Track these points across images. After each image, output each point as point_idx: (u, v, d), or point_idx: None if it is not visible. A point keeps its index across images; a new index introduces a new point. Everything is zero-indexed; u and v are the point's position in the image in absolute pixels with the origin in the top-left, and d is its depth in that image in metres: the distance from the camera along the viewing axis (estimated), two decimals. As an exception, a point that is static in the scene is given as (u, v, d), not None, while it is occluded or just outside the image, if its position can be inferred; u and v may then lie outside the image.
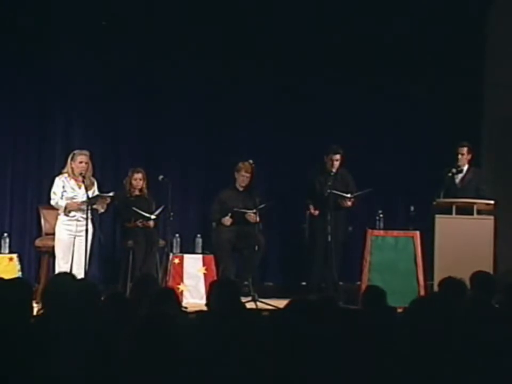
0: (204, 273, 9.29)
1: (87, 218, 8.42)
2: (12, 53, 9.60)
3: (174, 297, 5.22)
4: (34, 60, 9.75)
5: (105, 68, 10.01)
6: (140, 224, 9.11)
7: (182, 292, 9.08)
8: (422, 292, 8.78)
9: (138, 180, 9.27)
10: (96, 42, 9.90)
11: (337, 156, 9.36)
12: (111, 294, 5.12)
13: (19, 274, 8.54)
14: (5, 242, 8.81)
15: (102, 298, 5.05)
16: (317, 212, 9.34)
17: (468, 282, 5.75)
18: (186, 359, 3.58)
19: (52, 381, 3.64)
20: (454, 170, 9.34)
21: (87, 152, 8.71)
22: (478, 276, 5.93)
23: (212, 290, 5.28)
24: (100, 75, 9.99)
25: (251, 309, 7.40)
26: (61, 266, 8.44)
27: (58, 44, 9.80)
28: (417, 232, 9.06)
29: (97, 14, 9.86)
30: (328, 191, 9.17)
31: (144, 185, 9.30)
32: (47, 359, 3.76)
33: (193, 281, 9.26)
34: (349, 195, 9.23)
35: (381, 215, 9.11)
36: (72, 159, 8.67)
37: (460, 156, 9.37)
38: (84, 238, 8.38)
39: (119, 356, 3.61)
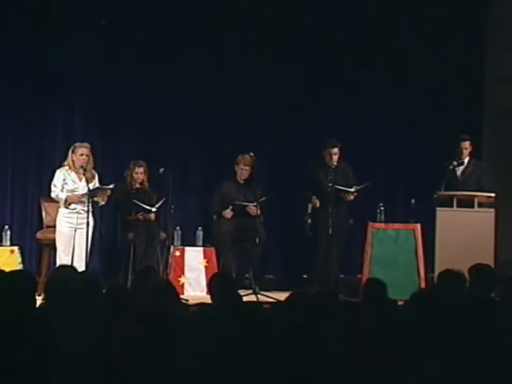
0: (205, 266, 9.29)
1: (88, 211, 8.42)
2: (12, 46, 9.59)
3: (172, 289, 5.21)
4: (34, 52, 9.74)
5: (106, 60, 10.00)
6: (140, 217, 9.12)
7: (183, 284, 9.09)
8: (423, 285, 8.78)
9: (139, 173, 9.26)
10: (96, 35, 9.89)
11: (335, 150, 9.34)
12: (112, 287, 5.13)
13: (20, 266, 8.54)
14: (6, 235, 8.82)
15: (104, 291, 5.06)
16: (318, 203, 9.32)
17: (467, 275, 5.76)
18: (186, 351, 3.58)
19: (53, 372, 3.65)
20: (455, 163, 9.35)
21: (87, 145, 8.70)
22: (476, 269, 5.93)
23: (211, 283, 5.30)
24: (100, 67, 9.98)
25: (252, 302, 7.40)
26: (61, 258, 8.44)
27: (59, 36, 9.79)
28: (418, 225, 9.06)
29: (99, 5, 9.85)
30: (330, 184, 9.16)
31: (145, 178, 9.30)
32: (49, 350, 3.76)
33: (194, 274, 9.27)
34: (352, 189, 9.23)
35: (382, 208, 9.10)
36: (73, 151, 8.67)
37: (464, 151, 9.38)
38: (84, 230, 8.38)
39: (119, 347, 3.62)
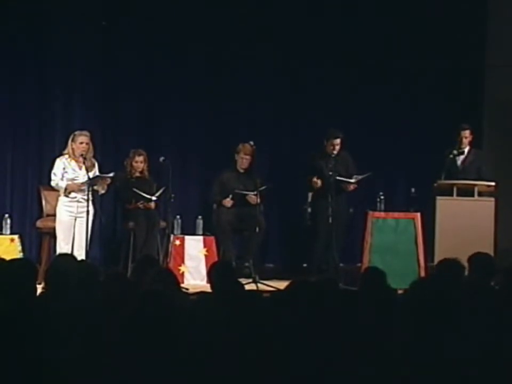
0: (205, 255, 9.29)
1: (88, 200, 8.42)
2: (11, 34, 9.57)
3: (172, 277, 5.22)
4: (34, 40, 9.73)
5: (106, 49, 9.99)
6: (140, 206, 9.12)
7: (183, 273, 9.10)
8: (423, 274, 8.79)
9: (139, 162, 9.26)
10: (96, 24, 9.87)
11: (338, 140, 9.33)
12: (111, 275, 5.14)
13: (20, 255, 8.53)
14: (6, 223, 8.81)
15: (101, 279, 5.07)
16: (319, 182, 9.27)
17: (467, 264, 5.76)
18: (186, 340, 3.59)
19: (54, 360, 3.66)
20: (455, 152, 9.34)
21: (87, 133, 8.70)
22: (476, 257, 5.93)
23: (211, 272, 5.30)
24: (101, 56, 9.97)
25: (251, 290, 7.42)
26: (62, 247, 8.45)
27: (59, 25, 9.77)
28: (418, 214, 9.06)
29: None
30: (330, 173, 9.16)
31: (145, 167, 9.30)
32: (49, 338, 3.77)
33: (194, 263, 9.27)
34: (353, 180, 9.22)
35: (382, 197, 9.10)
36: (72, 140, 8.66)
37: (464, 140, 9.37)
38: (84, 219, 8.38)
39: (118, 336, 3.63)
